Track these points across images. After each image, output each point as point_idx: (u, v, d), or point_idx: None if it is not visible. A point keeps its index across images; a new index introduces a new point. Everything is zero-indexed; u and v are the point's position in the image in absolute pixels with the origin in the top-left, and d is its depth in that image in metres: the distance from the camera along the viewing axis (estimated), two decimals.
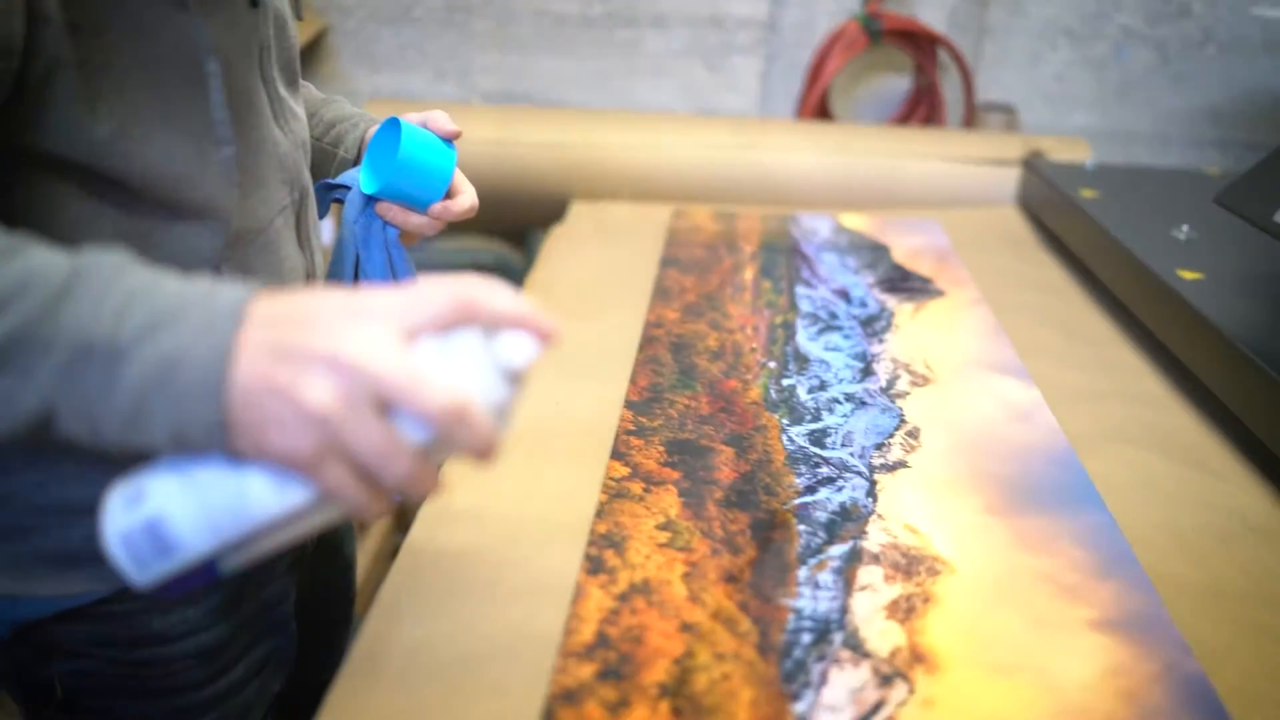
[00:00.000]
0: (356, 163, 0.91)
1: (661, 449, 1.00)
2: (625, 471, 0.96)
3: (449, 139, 0.87)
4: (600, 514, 0.89)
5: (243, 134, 0.69)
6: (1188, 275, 1.26)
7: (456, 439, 0.50)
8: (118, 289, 0.49)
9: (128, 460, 0.52)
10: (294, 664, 0.90)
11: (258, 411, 0.48)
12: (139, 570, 0.52)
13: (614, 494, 0.92)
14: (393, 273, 0.90)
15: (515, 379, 0.54)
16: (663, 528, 0.87)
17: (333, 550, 1.02)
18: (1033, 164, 1.78)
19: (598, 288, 1.43)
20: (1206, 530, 0.94)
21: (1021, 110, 2.21)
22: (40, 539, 0.72)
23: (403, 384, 0.48)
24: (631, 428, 1.03)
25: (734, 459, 0.98)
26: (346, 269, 0.89)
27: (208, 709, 0.81)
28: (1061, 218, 1.62)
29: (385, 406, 0.49)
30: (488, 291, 0.52)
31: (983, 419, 1.07)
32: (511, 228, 2.07)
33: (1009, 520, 0.90)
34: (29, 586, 0.73)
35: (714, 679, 0.71)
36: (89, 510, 0.56)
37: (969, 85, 2.08)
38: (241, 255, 0.72)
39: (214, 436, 0.49)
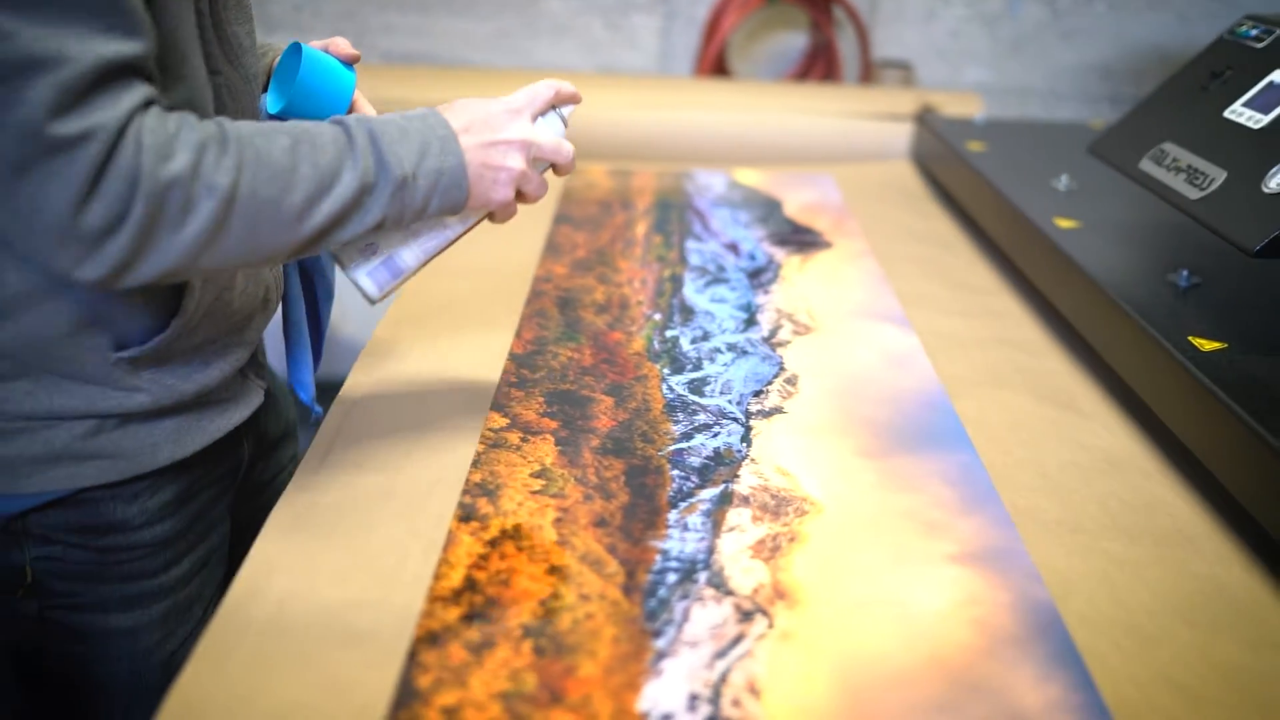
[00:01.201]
0: (264, 89, 0.96)
1: (541, 400, 1.00)
2: (504, 422, 0.96)
3: (349, 62, 0.93)
4: (476, 464, 0.89)
5: (217, 68, 0.85)
6: (1064, 224, 1.29)
7: (563, 170, 0.90)
8: (385, 139, 0.78)
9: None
10: (228, 568, 0.98)
11: (482, 181, 0.83)
12: (379, 289, 0.87)
13: (491, 444, 0.92)
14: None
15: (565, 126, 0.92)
16: (537, 475, 0.88)
17: (262, 485, 1.06)
18: (925, 118, 1.81)
19: (488, 245, 1.42)
20: (1071, 467, 0.97)
21: (918, 66, 2.23)
22: (27, 441, 0.81)
23: (550, 150, 0.87)
24: (514, 379, 1.04)
25: (613, 408, 0.99)
26: None
27: (159, 597, 0.90)
28: (950, 171, 1.65)
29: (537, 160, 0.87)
30: (550, 85, 0.89)
31: (861, 365, 1.09)
32: None
33: (879, 461, 0.92)
34: (15, 484, 0.82)
35: (577, 618, 0.71)
36: (73, 416, 0.81)
37: (864, 42, 2.10)
38: None
39: (460, 205, 0.83)
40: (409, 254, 0.87)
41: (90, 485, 0.84)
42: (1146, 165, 1.15)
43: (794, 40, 2.19)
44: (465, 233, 0.89)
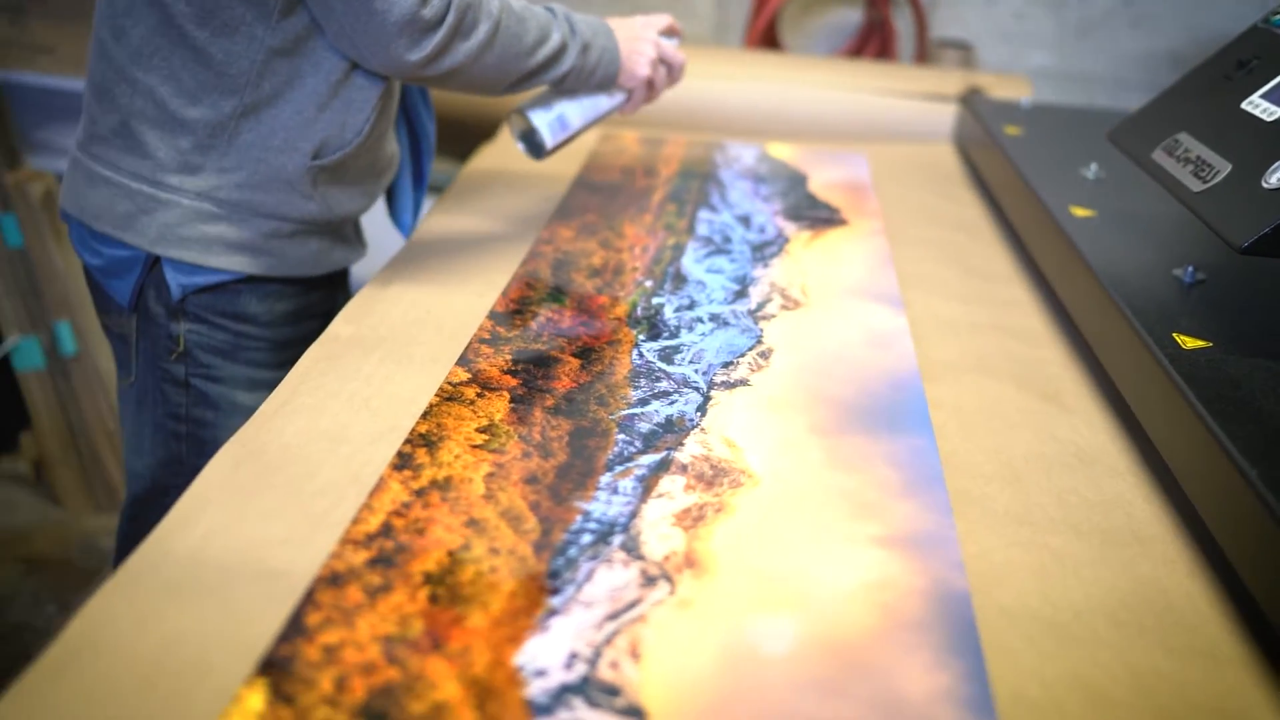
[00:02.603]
0: None
1: (508, 358, 1.00)
2: (465, 377, 0.97)
3: None
4: (426, 415, 0.90)
5: None
6: (1080, 212, 1.25)
7: (677, 75, 1.32)
8: (575, 19, 1.19)
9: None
10: None
11: (631, 60, 1.24)
12: (551, 138, 1.24)
13: (446, 397, 0.93)
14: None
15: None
16: (482, 430, 0.88)
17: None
18: (968, 100, 1.77)
19: (502, 205, 1.43)
20: (1037, 460, 0.94)
21: (979, 48, 2.18)
22: (226, 227, 1.09)
23: (669, 52, 1.29)
24: (486, 336, 1.04)
25: (577, 370, 0.99)
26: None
27: (265, 387, 1.11)
28: (984, 154, 1.61)
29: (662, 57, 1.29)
30: (666, 16, 1.31)
31: (840, 343, 1.07)
32: (460, 148, 2.06)
33: (830, 439, 0.91)
34: (209, 259, 1.09)
35: (481, 571, 0.72)
36: (265, 214, 1.09)
37: (921, 20, 2.05)
38: (386, 104, 1.15)
39: (614, 78, 1.24)
40: (575, 115, 1.24)
41: (252, 275, 1.12)
42: (1158, 155, 1.10)
43: (849, 16, 2.15)
44: (611, 110, 1.29)
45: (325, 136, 1.08)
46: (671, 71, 1.31)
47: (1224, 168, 1.00)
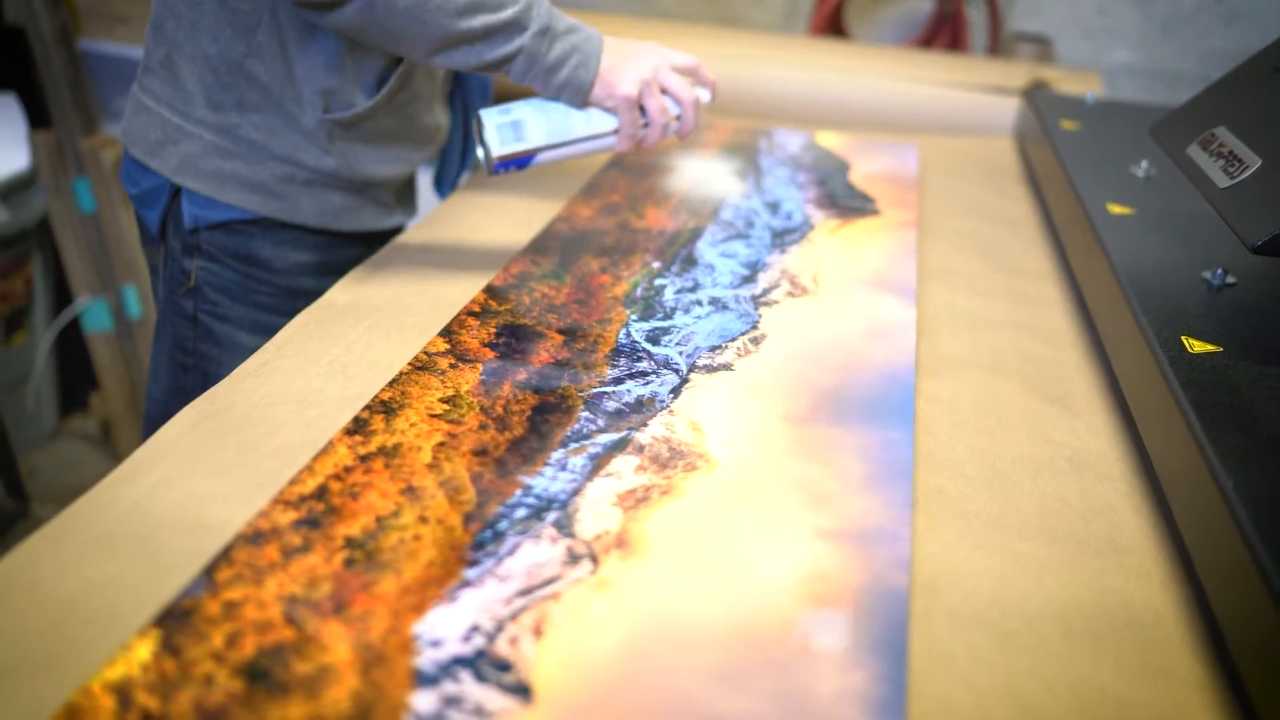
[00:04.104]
0: None
1: (493, 331, 0.99)
2: (443, 347, 0.96)
3: None
4: (394, 382, 0.90)
5: None
6: (1117, 210, 1.19)
7: (686, 120, 1.11)
8: (545, 6, 1.03)
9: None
10: None
11: (612, 72, 1.05)
12: (501, 145, 1.07)
13: (419, 366, 0.92)
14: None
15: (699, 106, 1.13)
16: (445, 400, 0.87)
17: None
18: (1032, 94, 1.70)
19: (530, 183, 1.42)
20: (1025, 462, 0.89)
21: (1058, 43, 2.10)
22: (241, 165, 1.11)
23: (673, 80, 1.09)
24: (476, 309, 1.03)
25: (558, 346, 0.97)
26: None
27: (269, 331, 1.07)
28: (1038, 149, 1.55)
29: (663, 89, 1.09)
30: (703, 65, 1.14)
31: (837, 333, 1.04)
32: None
33: (802, 429, 0.88)
34: (223, 194, 1.12)
35: (404, 539, 0.71)
36: (280, 157, 1.12)
37: (995, 12, 1.98)
38: (410, 71, 1.14)
39: (586, 86, 1.05)
40: (537, 128, 1.06)
41: (263, 217, 1.14)
42: (1193, 150, 1.04)
43: (920, 6, 2.09)
44: (595, 143, 1.09)
45: (334, 91, 1.09)
46: (683, 112, 1.11)
47: (1253, 163, 0.94)
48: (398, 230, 1.28)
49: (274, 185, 1.13)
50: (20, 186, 2.14)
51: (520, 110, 1.07)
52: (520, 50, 1.02)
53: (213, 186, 1.12)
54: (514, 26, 1.01)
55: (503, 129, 1.06)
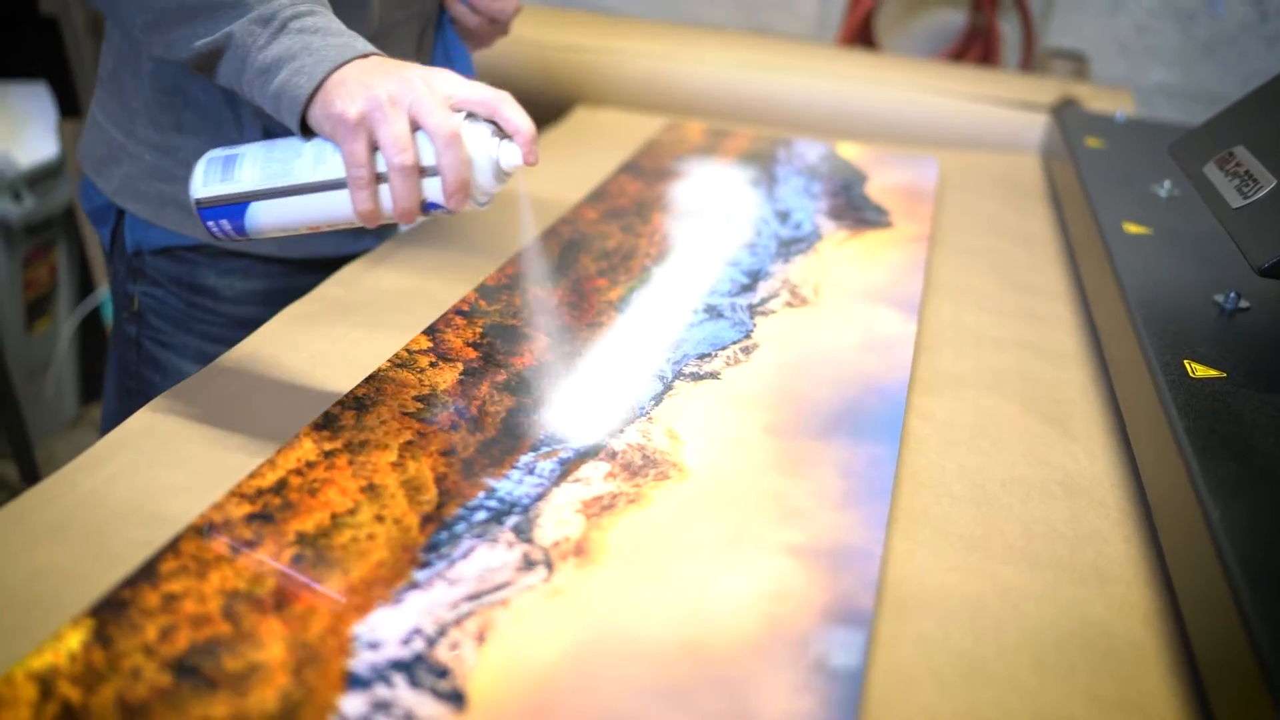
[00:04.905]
0: None
1: (478, 331, 0.98)
2: (426, 345, 0.94)
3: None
4: (370, 379, 0.88)
5: None
6: (1133, 229, 1.15)
7: (444, 168, 0.77)
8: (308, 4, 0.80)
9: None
10: None
11: (339, 87, 0.76)
12: (205, 184, 0.81)
13: (398, 363, 0.91)
14: (449, 65, 1.11)
15: (500, 174, 0.82)
16: (420, 399, 0.86)
17: None
18: (1059, 111, 1.66)
19: (534, 185, 1.41)
20: (1015, 484, 0.86)
21: (1094, 61, 2.05)
22: (181, 189, 1.01)
23: (430, 107, 0.76)
24: (465, 308, 1.02)
25: (543, 348, 0.96)
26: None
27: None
28: (1060, 166, 1.51)
29: (414, 124, 0.77)
30: (513, 106, 0.80)
31: (832, 346, 1.01)
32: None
33: (783, 441, 0.85)
34: (162, 219, 1.06)
35: (358, 537, 0.69)
36: None
37: (1029, 27, 1.95)
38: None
39: (301, 98, 0.77)
40: (251, 167, 0.80)
41: (199, 245, 1.07)
42: (1209, 169, 1.01)
43: (953, 19, 2.05)
44: (316, 195, 0.80)
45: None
46: (438, 159, 0.78)
47: (1268, 183, 0.90)
48: (364, 253, 1.17)
49: None
50: (48, 175, 2.16)
51: (250, 147, 0.82)
52: (230, 39, 0.79)
53: (152, 210, 1.06)
54: (233, 5, 0.78)
55: (212, 163, 0.81)
